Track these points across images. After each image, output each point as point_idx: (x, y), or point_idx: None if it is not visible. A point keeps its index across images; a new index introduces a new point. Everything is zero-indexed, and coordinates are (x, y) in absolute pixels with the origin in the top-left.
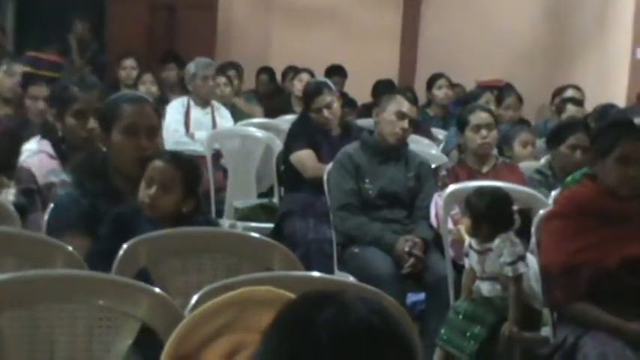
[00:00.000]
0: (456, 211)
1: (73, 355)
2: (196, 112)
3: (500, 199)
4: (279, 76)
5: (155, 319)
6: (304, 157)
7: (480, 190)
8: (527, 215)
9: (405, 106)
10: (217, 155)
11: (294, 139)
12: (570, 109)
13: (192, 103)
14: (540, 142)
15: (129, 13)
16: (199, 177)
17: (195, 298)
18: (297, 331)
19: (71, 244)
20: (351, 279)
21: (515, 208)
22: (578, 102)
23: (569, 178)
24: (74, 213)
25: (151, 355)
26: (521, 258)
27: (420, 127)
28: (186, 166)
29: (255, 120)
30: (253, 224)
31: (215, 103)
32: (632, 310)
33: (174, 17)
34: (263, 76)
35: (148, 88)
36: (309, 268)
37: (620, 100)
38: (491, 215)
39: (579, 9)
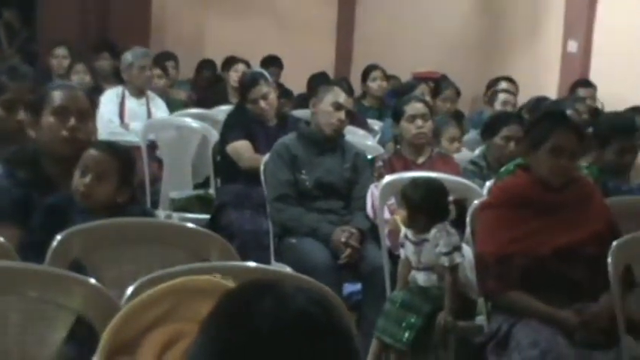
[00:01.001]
0: (392, 201)
1: (6, 349)
2: (131, 103)
3: (436, 189)
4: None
5: (90, 311)
6: (240, 147)
7: (415, 181)
8: (462, 206)
9: (342, 97)
10: (152, 146)
11: (231, 129)
12: (501, 97)
13: (127, 93)
14: (475, 134)
15: (60, 1)
16: (134, 167)
17: (130, 289)
18: (235, 321)
19: (2, 234)
20: (288, 270)
21: (450, 198)
22: (510, 91)
23: (502, 169)
24: (5, 203)
25: (86, 347)
26: (457, 248)
27: (355, 118)
28: (122, 155)
29: (191, 110)
30: (189, 215)
31: (150, 93)
32: (564, 298)
33: (107, 5)
34: (201, 67)
35: (81, 77)
36: (246, 259)
37: (552, 92)
38: (427, 206)
39: (512, 2)
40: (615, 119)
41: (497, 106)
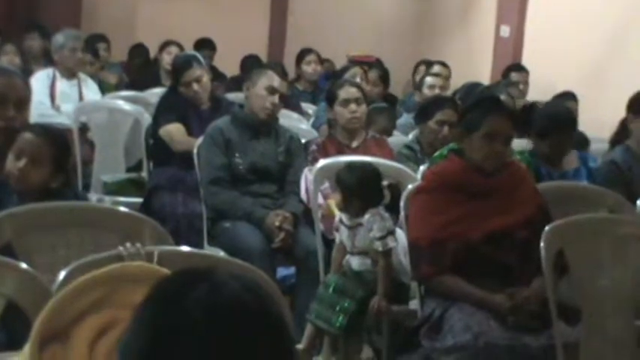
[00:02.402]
0: (325, 185)
1: None
2: (62, 84)
3: (370, 174)
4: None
5: (22, 296)
6: (173, 130)
7: (349, 166)
8: (396, 190)
9: (276, 81)
10: (84, 129)
11: (163, 112)
12: (428, 81)
13: (57, 74)
14: (408, 118)
15: None
16: (70, 153)
17: (62, 274)
18: (168, 307)
19: None
20: (222, 254)
21: (384, 183)
22: (440, 75)
23: (436, 154)
24: None
25: (18, 332)
26: (391, 233)
27: (289, 101)
28: (58, 141)
29: (123, 93)
30: (122, 199)
31: (82, 75)
32: (496, 283)
33: None
34: (133, 50)
35: (10, 58)
36: (179, 243)
37: (485, 76)
38: (361, 190)
39: None
40: (554, 114)
41: (425, 90)
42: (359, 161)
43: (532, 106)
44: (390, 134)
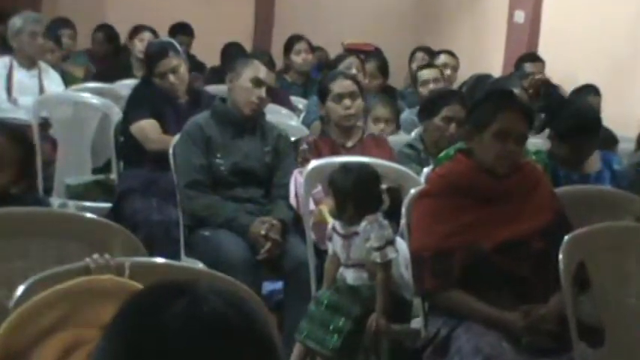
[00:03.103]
0: (317, 189)
1: None
2: (20, 74)
3: (368, 176)
4: (122, 36)
5: None
6: (147, 127)
7: (344, 167)
8: (396, 195)
9: (262, 72)
10: (45, 124)
11: (135, 106)
12: (424, 75)
13: (15, 63)
14: (410, 113)
15: None
16: (35, 157)
17: (21, 288)
18: (143, 323)
19: None
20: (201, 266)
21: (383, 186)
22: (433, 65)
23: (442, 154)
24: None
25: None
26: (390, 242)
27: (277, 95)
28: (24, 144)
29: (90, 85)
30: (88, 204)
31: (42, 64)
32: (509, 299)
33: None
34: (99, 34)
35: None
36: (153, 254)
37: (497, 68)
38: (358, 195)
39: None
40: (580, 114)
41: (419, 87)
42: (355, 162)
43: (546, 88)
44: (393, 123)
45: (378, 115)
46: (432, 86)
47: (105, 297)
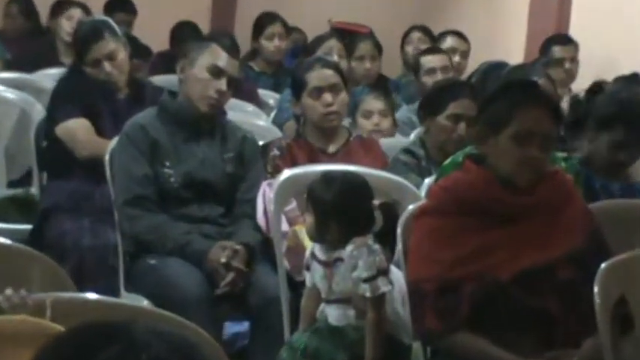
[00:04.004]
0: (292, 206)
1: None
2: None
3: (356, 188)
4: (43, 14)
5: None
6: (76, 128)
7: (327, 176)
8: (392, 212)
9: (222, 58)
10: None
11: (62, 102)
12: (427, 63)
13: None
14: (409, 110)
15: None
16: None
17: None
18: None
19: None
20: (145, 303)
21: (375, 202)
22: (435, 50)
23: (448, 161)
24: None
25: None
26: (383, 272)
27: (242, 88)
28: None
29: (4, 75)
30: (1, 225)
31: None
32: (531, 342)
33: None
34: (12, 7)
35: None
36: (84, 289)
37: (517, 54)
38: (343, 211)
39: None
40: (624, 104)
41: (423, 76)
42: (340, 171)
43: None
44: (389, 117)
45: (370, 107)
46: (440, 77)
47: (18, 342)
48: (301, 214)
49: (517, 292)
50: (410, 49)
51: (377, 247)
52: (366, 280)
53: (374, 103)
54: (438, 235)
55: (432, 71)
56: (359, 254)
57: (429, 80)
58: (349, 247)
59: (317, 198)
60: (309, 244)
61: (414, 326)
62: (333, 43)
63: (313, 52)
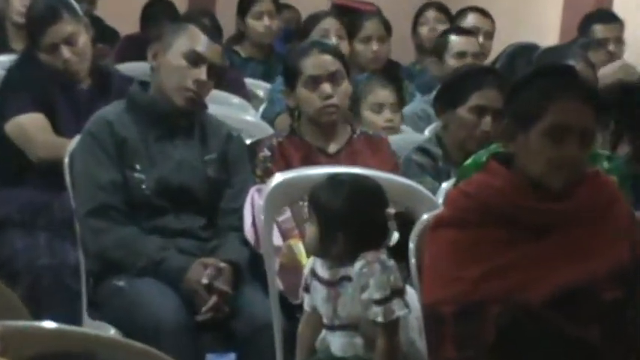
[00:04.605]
0: (286, 216)
1: None
2: None
3: (368, 194)
4: None
5: None
6: (29, 125)
7: (333, 180)
8: (409, 223)
9: (202, 42)
10: None
11: (12, 95)
12: (456, 44)
13: None
14: (423, 102)
15: None
16: None
17: None
18: None
19: None
20: (112, 332)
21: (391, 210)
22: (463, 31)
23: (469, 161)
24: None
25: None
26: (398, 293)
27: (225, 77)
28: None
29: None
30: None
31: None
32: None
33: None
34: None
35: None
36: (40, 316)
37: (551, 34)
38: (352, 220)
39: None
40: None
41: (449, 58)
42: (349, 174)
43: None
44: (396, 109)
45: (380, 99)
46: (470, 59)
47: None
48: (296, 225)
49: (551, 316)
50: (424, 30)
51: (391, 263)
52: (377, 303)
53: (385, 94)
54: (457, 249)
55: (462, 55)
56: (370, 272)
57: (456, 62)
58: (358, 264)
59: (322, 205)
60: (306, 261)
61: (430, 356)
62: (331, 23)
63: (308, 33)
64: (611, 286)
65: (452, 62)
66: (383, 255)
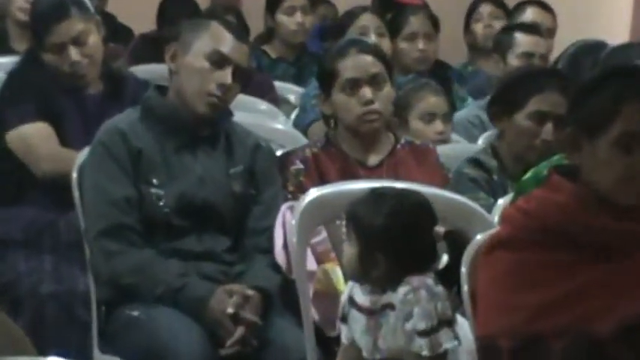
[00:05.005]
0: (321, 237)
1: None
2: None
3: (415, 211)
4: None
5: None
6: (33, 136)
7: (376, 194)
8: (461, 244)
9: (227, 42)
10: None
11: (14, 101)
12: (523, 43)
13: None
14: (476, 108)
15: None
16: None
17: None
18: None
19: None
20: None
21: (440, 229)
22: (532, 29)
23: (529, 175)
24: None
25: None
26: (447, 323)
27: (253, 80)
28: None
29: None
30: None
31: None
32: None
33: None
34: None
35: None
36: (45, 351)
37: (621, 32)
38: (396, 240)
39: None
40: None
41: (512, 59)
42: (393, 188)
43: None
44: (447, 120)
45: (430, 108)
46: (537, 60)
47: None
48: (333, 247)
49: (621, 351)
50: (479, 26)
51: (439, 289)
52: (423, 334)
53: (437, 102)
54: (515, 273)
55: (528, 56)
56: (415, 299)
57: (519, 62)
58: (402, 290)
59: (361, 222)
60: (343, 288)
61: None
62: (370, 19)
63: (345, 31)
64: None
65: (515, 63)
66: (430, 280)
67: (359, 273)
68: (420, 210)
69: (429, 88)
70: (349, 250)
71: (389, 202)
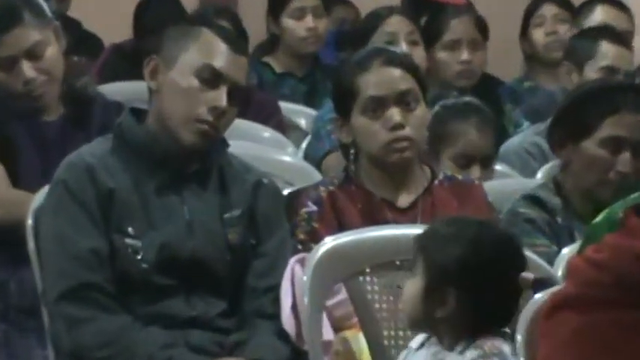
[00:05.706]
0: (340, 297)
1: None
2: None
3: (501, 242)
4: None
5: None
6: None
7: (455, 221)
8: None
9: (221, 54)
10: None
11: None
12: (607, 54)
13: None
14: (531, 133)
15: None
16: None
17: None
18: None
19: None
20: None
21: (529, 275)
22: (620, 38)
23: (601, 217)
24: None
25: None
26: None
27: (254, 101)
28: None
29: None
30: None
31: None
32: None
33: None
34: None
35: None
36: None
37: None
38: (474, 275)
39: None
40: None
41: (589, 71)
42: (474, 219)
43: None
44: (488, 166)
45: (468, 149)
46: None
47: None
48: (355, 310)
49: None
50: (539, 32)
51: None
52: None
53: (478, 140)
54: (586, 339)
55: (611, 72)
56: None
57: (598, 75)
58: (471, 354)
59: (436, 250)
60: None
61: None
62: (400, 22)
63: (368, 38)
64: None
65: (592, 74)
66: (507, 347)
67: (420, 314)
68: (506, 245)
69: (473, 118)
70: (413, 286)
71: (471, 229)
